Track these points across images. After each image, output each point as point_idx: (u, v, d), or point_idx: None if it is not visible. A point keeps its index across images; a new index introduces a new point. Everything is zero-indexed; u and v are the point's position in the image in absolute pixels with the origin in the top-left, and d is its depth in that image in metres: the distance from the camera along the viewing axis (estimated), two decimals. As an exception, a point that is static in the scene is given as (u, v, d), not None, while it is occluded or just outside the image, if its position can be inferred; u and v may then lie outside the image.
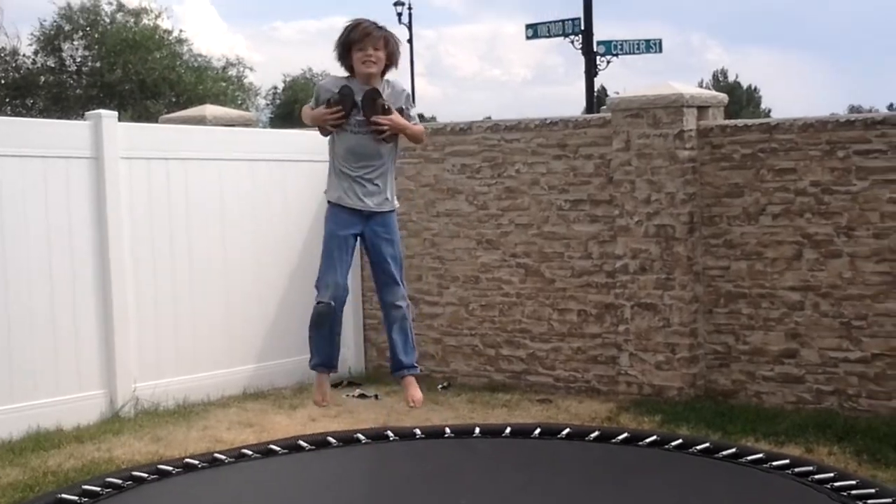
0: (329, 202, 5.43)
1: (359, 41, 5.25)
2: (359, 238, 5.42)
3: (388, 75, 5.46)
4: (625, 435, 7.27)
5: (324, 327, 5.35)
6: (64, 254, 8.33)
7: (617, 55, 22.19)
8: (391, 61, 5.34)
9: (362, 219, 5.34)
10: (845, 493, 5.84)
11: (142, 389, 8.68)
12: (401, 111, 5.37)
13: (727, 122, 8.84)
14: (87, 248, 8.46)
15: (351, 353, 10.30)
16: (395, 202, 5.50)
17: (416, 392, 5.65)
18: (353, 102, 5.28)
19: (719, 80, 56.48)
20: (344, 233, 5.32)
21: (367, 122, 5.28)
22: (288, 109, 43.73)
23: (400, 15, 41.68)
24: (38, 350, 8.13)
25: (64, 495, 6.13)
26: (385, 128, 5.29)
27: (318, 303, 5.34)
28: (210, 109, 11.31)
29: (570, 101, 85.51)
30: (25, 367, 8.04)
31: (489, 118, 10.66)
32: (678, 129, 8.61)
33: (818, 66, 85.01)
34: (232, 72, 38.12)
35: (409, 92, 5.48)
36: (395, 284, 5.43)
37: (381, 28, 5.37)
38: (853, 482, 5.98)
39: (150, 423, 8.25)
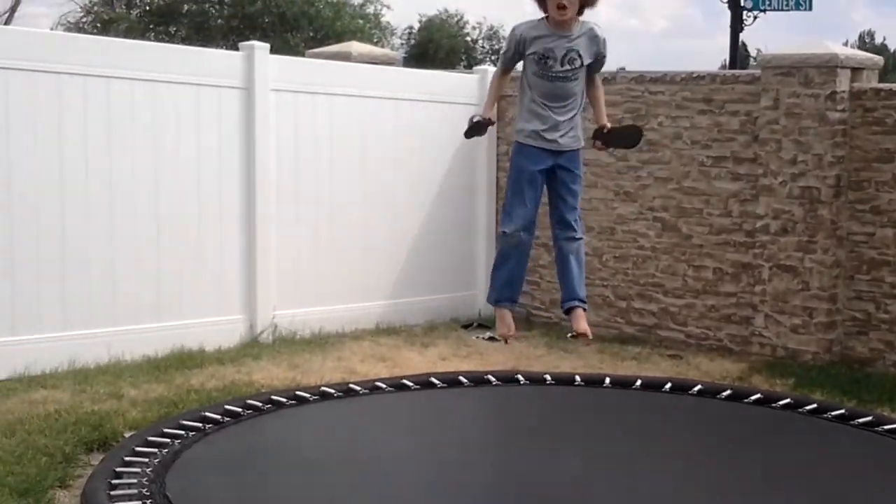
0: (518, 142, 5.53)
1: None
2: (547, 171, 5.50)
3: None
4: (758, 395, 7.22)
5: (511, 260, 5.42)
6: (213, 181, 8.56)
7: (765, 11, 21.57)
8: (586, 2, 5.35)
9: (552, 155, 5.43)
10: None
11: (280, 317, 8.91)
12: (597, 58, 5.49)
13: (882, 85, 8.61)
14: (234, 177, 8.68)
15: (482, 296, 10.32)
16: (582, 140, 5.56)
17: (585, 325, 5.52)
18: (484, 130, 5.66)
19: (865, 42, 54.72)
20: (534, 168, 5.41)
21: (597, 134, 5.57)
22: (422, 49, 43.70)
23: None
24: (184, 273, 8.40)
25: (208, 413, 6.38)
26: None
27: (504, 233, 5.43)
28: (356, 46, 11.43)
29: (707, 55, 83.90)
30: (172, 288, 8.33)
31: (623, 69, 10.55)
32: (830, 89, 8.42)
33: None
34: (370, 9, 38.28)
35: (603, 36, 5.48)
36: (575, 219, 5.49)
37: None
38: None
39: (287, 350, 8.47)
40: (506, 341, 5.81)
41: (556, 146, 5.40)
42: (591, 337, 5.56)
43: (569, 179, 5.46)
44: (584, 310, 5.52)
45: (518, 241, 5.38)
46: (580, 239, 5.52)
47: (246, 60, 8.77)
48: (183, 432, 6.05)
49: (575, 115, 5.45)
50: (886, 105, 8.35)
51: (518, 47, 5.46)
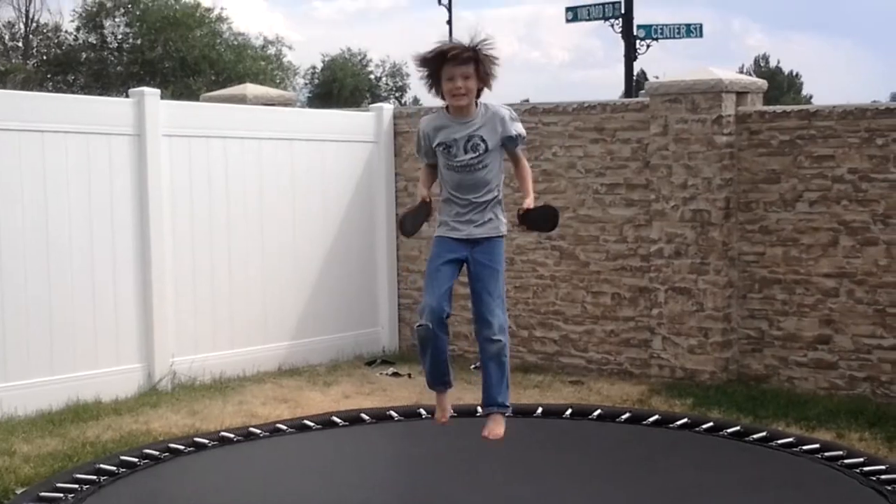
0: (435, 234, 5.36)
1: (445, 70, 5.08)
2: (464, 263, 5.31)
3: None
4: (656, 417, 7.32)
5: (428, 349, 5.25)
6: (105, 230, 8.44)
7: (657, 39, 22.09)
8: (485, 82, 5.16)
9: (467, 245, 5.25)
10: (874, 478, 5.87)
11: (179, 364, 8.80)
12: (509, 136, 5.23)
13: (766, 108, 8.83)
14: (127, 225, 8.57)
15: (385, 333, 10.39)
16: (503, 228, 5.34)
17: (498, 429, 5.41)
18: (412, 226, 5.38)
19: (760, 66, 56.14)
20: (444, 257, 5.25)
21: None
22: (326, 89, 43.88)
23: (440, -4, 41.41)
24: (78, 324, 8.25)
25: (103, 465, 6.26)
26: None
27: (417, 325, 5.29)
28: (250, 88, 11.40)
29: (608, 84, 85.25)
30: (66, 340, 8.16)
31: (527, 100, 10.69)
32: (716, 114, 8.61)
33: (861, 53, 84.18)
34: (271, 50, 38.36)
35: (509, 113, 5.26)
36: (494, 315, 5.26)
37: (468, 49, 5.11)
38: (883, 467, 6.01)
39: (186, 397, 8.36)
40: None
41: (468, 236, 5.23)
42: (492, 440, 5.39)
43: (484, 273, 5.26)
44: (504, 414, 5.37)
45: (428, 334, 5.21)
46: (498, 341, 5.25)
47: (136, 107, 8.69)
48: (77, 486, 5.93)
49: (490, 203, 5.23)
50: (771, 127, 8.56)
51: (425, 142, 5.29)
